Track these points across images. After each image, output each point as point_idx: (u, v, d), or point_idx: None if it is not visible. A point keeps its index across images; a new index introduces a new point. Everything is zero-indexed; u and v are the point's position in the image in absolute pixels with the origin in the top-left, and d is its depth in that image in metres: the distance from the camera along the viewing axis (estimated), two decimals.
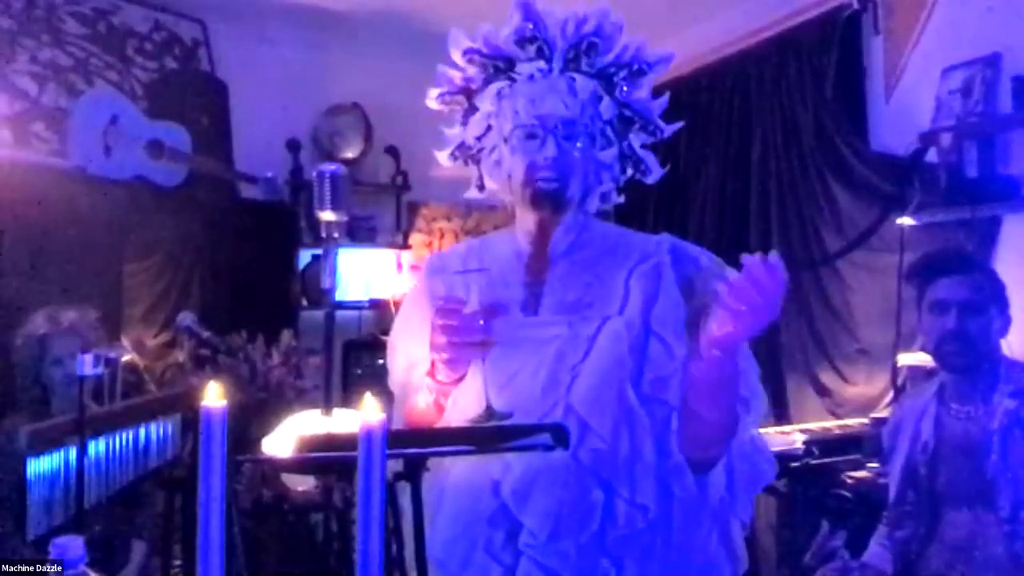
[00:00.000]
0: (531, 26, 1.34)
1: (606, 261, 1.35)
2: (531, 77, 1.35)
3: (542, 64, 1.35)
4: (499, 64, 1.38)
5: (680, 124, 1.43)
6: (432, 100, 1.44)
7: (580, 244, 1.38)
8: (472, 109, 1.43)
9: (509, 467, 1.25)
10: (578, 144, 1.33)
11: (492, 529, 1.26)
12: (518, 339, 1.31)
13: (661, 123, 1.41)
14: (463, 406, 1.32)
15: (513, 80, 1.37)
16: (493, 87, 1.38)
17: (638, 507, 1.24)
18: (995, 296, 1.89)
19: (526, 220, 1.39)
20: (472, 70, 1.39)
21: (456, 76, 1.41)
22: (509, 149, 1.36)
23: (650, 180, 1.44)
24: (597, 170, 1.38)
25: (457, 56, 1.39)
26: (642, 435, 1.24)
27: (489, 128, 1.42)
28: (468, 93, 1.42)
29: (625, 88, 1.37)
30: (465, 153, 1.45)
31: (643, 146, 1.43)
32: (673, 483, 1.26)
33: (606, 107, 1.36)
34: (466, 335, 1.26)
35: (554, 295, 1.34)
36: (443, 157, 1.46)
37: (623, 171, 1.43)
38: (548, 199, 1.33)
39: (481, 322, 1.26)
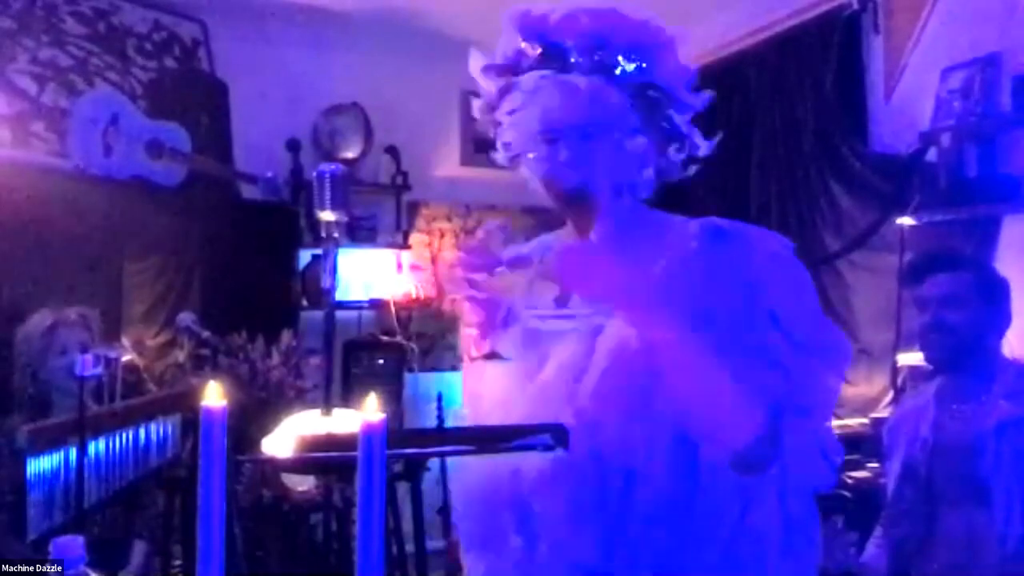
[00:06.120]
0: (523, 41, 1.34)
1: (638, 254, 1.35)
2: (536, 88, 1.33)
3: (546, 71, 1.33)
4: (509, 76, 1.37)
5: (710, 94, 1.39)
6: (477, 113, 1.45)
7: (618, 234, 1.38)
8: (498, 123, 1.44)
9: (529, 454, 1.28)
10: (595, 142, 1.32)
11: (513, 511, 1.29)
12: (546, 330, 1.35)
13: (690, 97, 1.38)
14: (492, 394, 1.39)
15: (520, 90, 1.36)
16: (507, 101, 1.38)
17: (654, 498, 1.24)
18: (984, 291, 1.89)
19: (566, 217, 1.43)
20: (490, 86, 1.39)
21: (490, 89, 1.41)
22: (533, 156, 1.37)
23: (701, 154, 1.43)
24: (627, 161, 1.37)
25: (478, 75, 1.40)
26: (660, 428, 1.24)
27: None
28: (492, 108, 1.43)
29: (644, 65, 1.35)
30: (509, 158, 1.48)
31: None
32: (698, 474, 1.25)
33: (615, 98, 1.34)
34: (473, 271, 1.32)
35: None
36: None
37: (669, 151, 1.41)
38: (571, 199, 1.35)
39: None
